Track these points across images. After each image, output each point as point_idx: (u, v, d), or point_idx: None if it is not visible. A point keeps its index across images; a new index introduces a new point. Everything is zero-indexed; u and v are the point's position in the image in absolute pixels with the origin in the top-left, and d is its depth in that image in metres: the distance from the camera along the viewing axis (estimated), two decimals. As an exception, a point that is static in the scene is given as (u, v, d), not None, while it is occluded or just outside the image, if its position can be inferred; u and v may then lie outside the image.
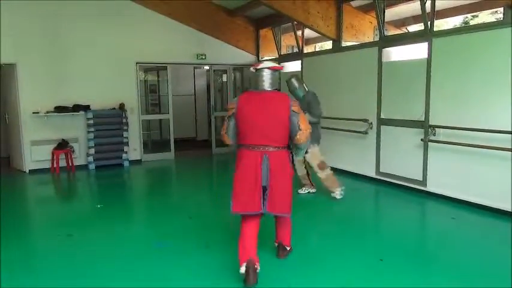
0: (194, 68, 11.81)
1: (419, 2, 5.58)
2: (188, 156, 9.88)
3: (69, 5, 7.92)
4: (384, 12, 6.39)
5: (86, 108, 8.14)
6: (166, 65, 9.25)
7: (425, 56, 5.63)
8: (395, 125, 6.23)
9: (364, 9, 7.41)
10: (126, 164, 8.51)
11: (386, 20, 6.53)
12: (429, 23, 5.58)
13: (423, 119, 5.71)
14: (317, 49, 9.60)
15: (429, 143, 5.63)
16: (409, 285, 3.24)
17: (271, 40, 9.45)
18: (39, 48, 7.80)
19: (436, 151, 5.61)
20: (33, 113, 7.77)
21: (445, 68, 5.42)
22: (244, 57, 9.89)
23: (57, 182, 7.59)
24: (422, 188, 5.85)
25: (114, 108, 8.41)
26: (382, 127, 6.48)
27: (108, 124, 8.29)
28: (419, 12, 5.75)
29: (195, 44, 9.30)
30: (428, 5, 5.53)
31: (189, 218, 5.03)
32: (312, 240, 4.26)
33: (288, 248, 3.74)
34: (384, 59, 6.39)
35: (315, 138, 5.27)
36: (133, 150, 8.80)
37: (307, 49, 8.96)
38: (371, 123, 6.64)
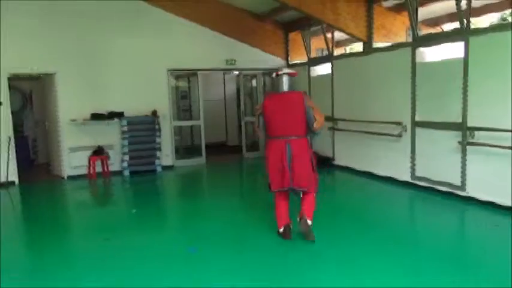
0: (224, 73, 11.92)
1: (454, 0, 5.40)
2: (219, 161, 9.96)
3: (104, 18, 8.24)
4: (417, 11, 6.22)
5: (120, 115, 8.38)
6: (196, 71, 9.39)
7: (462, 55, 5.43)
8: (431, 127, 6.03)
9: (396, 9, 7.24)
10: (158, 169, 8.67)
11: (419, 19, 6.35)
12: (465, 21, 5.39)
13: (460, 121, 5.50)
14: (347, 51, 9.47)
15: (467, 145, 5.42)
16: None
17: (301, 43, 9.39)
18: (77, 59, 8.11)
19: (475, 154, 5.38)
20: (71, 120, 8.07)
21: (483, 68, 5.20)
22: (273, 61, 9.87)
23: (94, 188, 7.84)
24: (461, 193, 5.62)
25: (147, 115, 8.60)
26: (417, 129, 6.29)
27: (142, 131, 8.49)
28: (454, 10, 5.57)
29: (225, 49, 9.38)
30: (463, 2, 5.34)
31: (221, 223, 5.06)
32: (345, 245, 4.18)
33: (310, 222, 4.11)
34: (417, 60, 6.21)
35: None
36: (166, 156, 8.95)
37: (337, 51, 8.85)
38: (405, 125, 6.46)
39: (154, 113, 8.60)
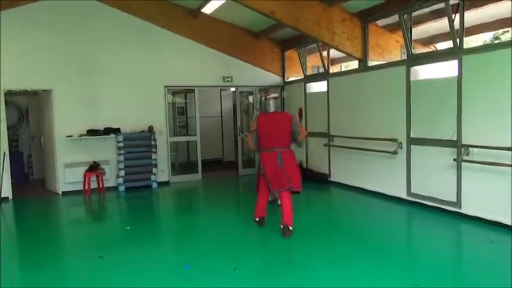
0: (221, 89, 11.98)
1: (447, 19, 5.51)
2: (215, 177, 9.92)
3: (101, 35, 8.32)
4: (411, 30, 6.33)
5: (117, 131, 8.37)
6: (193, 88, 9.45)
7: (456, 73, 5.51)
8: (426, 144, 6.07)
9: (390, 28, 7.37)
10: (154, 185, 8.63)
11: (413, 38, 6.46)
12: (458, 40, 5.48)
13: (455, 138, 5.54)
14: (343, 69, 9.57)
15: (463, 163, 5.44)
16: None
17: (297, 61, 9.50)
18: (73, 75, 8.15)
19: (470, 171, 5.41)
20: (67, 136, 8.05)
21: (476, 86, 5.27)
22: (270, 78, 9.97)
23: (89, 204, 7.76)
24: (456, 210, 5.62)
25: (143, 131, 8.60)
26: (413, 146, 6.33)
27: (138, 146, 8.48)
28: (448, 29, 5.67)
29: (222, 66, 9.47)
30: (457, 22, 5.45)
31: (217, 240, 5.02)
32: (341, 262, 4.14)
33: (291, 228, 4.83)
34: (412, 78, 6.29)
35: None
36: (161, 171, 8.92)
37: (333, 69, 8.95)
38: (400, 142, 6.50)
39: (150, 129, 8.61)
